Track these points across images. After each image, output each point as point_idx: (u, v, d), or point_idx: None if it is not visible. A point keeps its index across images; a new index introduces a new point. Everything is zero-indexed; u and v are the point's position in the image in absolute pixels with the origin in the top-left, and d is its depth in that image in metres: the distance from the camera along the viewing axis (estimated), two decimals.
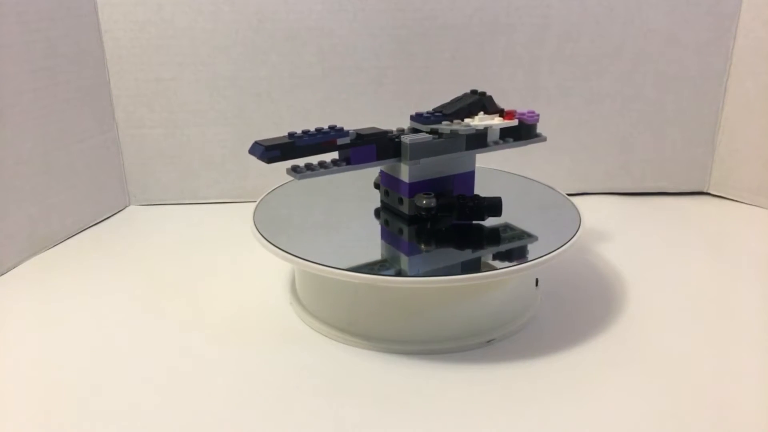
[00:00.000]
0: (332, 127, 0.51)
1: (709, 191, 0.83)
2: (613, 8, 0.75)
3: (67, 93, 0.71)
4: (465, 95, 0.58)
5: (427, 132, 0.53)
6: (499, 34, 0.76)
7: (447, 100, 0.78)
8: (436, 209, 0.52)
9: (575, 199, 0.59)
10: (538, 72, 0.78)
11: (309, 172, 0.51)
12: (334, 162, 0.52)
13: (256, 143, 0.49)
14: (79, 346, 0.51)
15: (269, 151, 0.48)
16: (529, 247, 0.50)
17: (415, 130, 0.54)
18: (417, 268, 0.49)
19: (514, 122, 0.56)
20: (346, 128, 0.52)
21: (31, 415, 0.43)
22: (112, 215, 0.79)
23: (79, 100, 0.73)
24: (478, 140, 0.55)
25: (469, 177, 0.56)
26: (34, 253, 0.68)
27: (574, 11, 0.75)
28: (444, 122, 0.54)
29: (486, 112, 0.56)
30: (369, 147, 0.52)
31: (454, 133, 0.53)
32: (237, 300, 0.58)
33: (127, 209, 0.81)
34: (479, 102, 0.56)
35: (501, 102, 0.78)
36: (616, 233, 0.71)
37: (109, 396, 0.45)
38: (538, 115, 0.58)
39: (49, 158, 0.69)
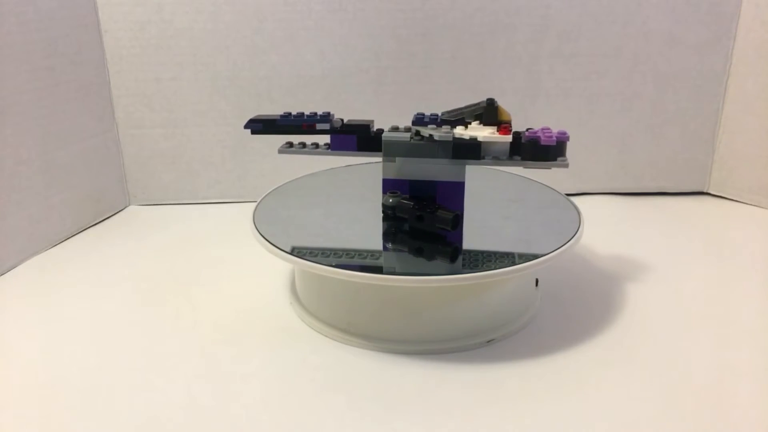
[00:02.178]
0: (324, 113, 0.54)
1: (709, 191, 0.83)
2: (613, 8, 0.75)
3: (67, 93, 0.71)
4: (479, 102, 0.54)
5: (412, 133, 0.53)
6: (499, 34, 0.76)
7: (446, 100, 0.78)
8: (395, 209, 0.52)
9: (575, 199, 0.59)
10: (538, 72, 0.78)
11: (291, 149, 0.56)
12: (325, 145, 0.55)
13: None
14: (79, 345, 0.51)
15: (252, 123, 0.55)
16: (529, 246, 0.50)
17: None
18: (386, 263, 0.49)
19: (506, 138, 0.50)
20: (343, 119, 0.54)
21: (31, 415, 0.43)
22: (112, 215, 0.79)
23: (79, 100, 0.73)
24: (469, 151, 0.51)
25: (455, 188, 0.53)
26: (34, 253, 0.68)
27: (574, 11, 0.75)
28: (430, 125, 0.53)
29: (482, 123, 0.51)
30: (350, 137, 0.54)
31: (430, 138, 0.51)
32: (237, 300, 0.58)
33: (127, 209, 0.81)
34: (477, 111, 0.52)
35: (499, 102, 0.78)
36: (616, 233, 0.71)
37: (109, 396, 0.45)
38: (556, 137, 0.50)
39: (49, 158, 0.69)
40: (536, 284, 0.57)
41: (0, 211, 0.64)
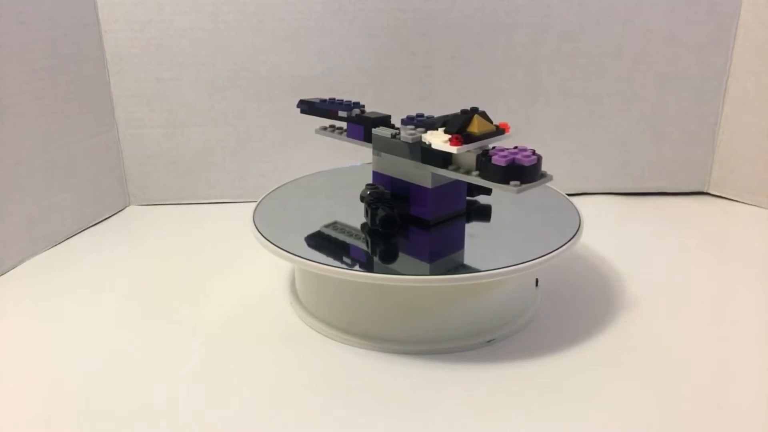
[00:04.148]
0: (355, 103, 0.59)
1: (709, 191, 0.83)
2: (613, 8, 0.75)
3: (67, 93, 0.71)
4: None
5: (396, 131, 0.54)
6: (499, 34, 0.76)
7: (446, 100, 0.78)
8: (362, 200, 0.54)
9: (575, 199, 0.59)
10: (538, 72, 0.78)
11: (325, 131, 0.61)
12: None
13: None
14: (79, 346, 0.51)
15: (301, 104, 0.62)
16: (529, 246, 0.50)
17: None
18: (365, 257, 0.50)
19: (450, 149, 0.47)
20: (366, 108, 0.59)
21: (30, 415, 0.43)
22: (112, 215, 0.79)
23: (79, 100, 0.73)
24: (438, 158, 0.49)
25: (423, 192, 0.52)
26: (34, 253, 0.68)
27: (574, 11, 0.75)
28: (409, 126, 0.53)
29: (446, 130, 0.49)
30: (359, 127, 0.57)
31: (397, 138, 0.52)
32: (237, 300, 0.58)
33: (127, 209, 0.81)
34: (447, 118, 0.50)
35: (499, 102, 0.78)
36: (616, 233, 0.71)
37: (109, 396, 0.45)
38: (514, 159, 0.45)
39: (49, 158, 0.69)
40: (536, 284, 0.57)
41: (0, 211, 0.64)
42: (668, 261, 0.64)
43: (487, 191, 0.56)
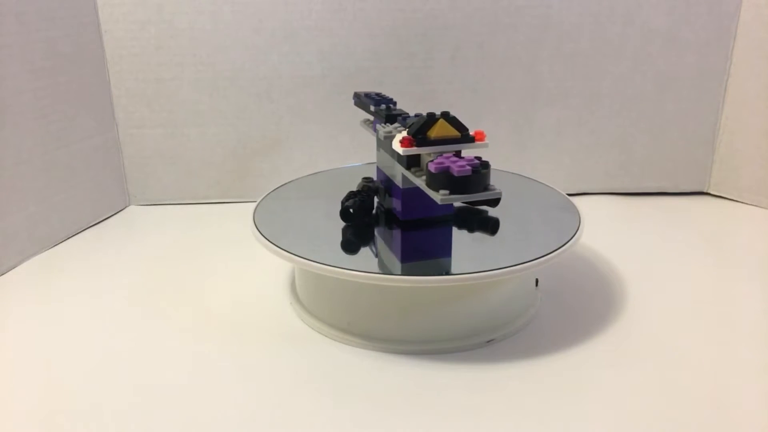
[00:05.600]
0: (388, 100, 0.60)
1: (709, 191, 0.83)
2: (613, 8, 0.75)
3: (67, 93, 0.71)
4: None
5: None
6: (499, 34, 0.76)
7: (446, 100, 0.79)
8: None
9: (575, 199, 0.59)
10: (538, 72, 0.78)
11: (363, 125, 0.63)
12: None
13: None
14: (79, 346, 0.51)
15: (355, 96, 0.64)
16: (529, 246, 0.50)
17: None
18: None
19: (398, 149, 0.47)
20: (397, 105, 0.59)
21: (30, 416, 0.43)
22: (112, 215, 0.79)
23: (79, 100, 0.73)
24: (403, 158, 0.49)
25: (398, 191, 0.53)
26: (34, 253, 0.68)
27: (574, 11, 0.75)
28: (395, 124, 0.53)
29: (408, 132, 0.49)
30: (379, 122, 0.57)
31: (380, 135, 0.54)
32: (237, 300, 0.58)
33: (127, 209, 0.81)
34: (416, 119, 0.50)
35: (499, 102, 0.78)
36: (616, 233, 0.71)
37: (109, 396, 0.45)
38: (446, 167, 0.43)
39: (49, 158, 0.69)
40: (536, 284, 0.57)
41: (0, 211, 0.64)
42: (668, 261, 0.64)
43: (492, 203, 0.54)
